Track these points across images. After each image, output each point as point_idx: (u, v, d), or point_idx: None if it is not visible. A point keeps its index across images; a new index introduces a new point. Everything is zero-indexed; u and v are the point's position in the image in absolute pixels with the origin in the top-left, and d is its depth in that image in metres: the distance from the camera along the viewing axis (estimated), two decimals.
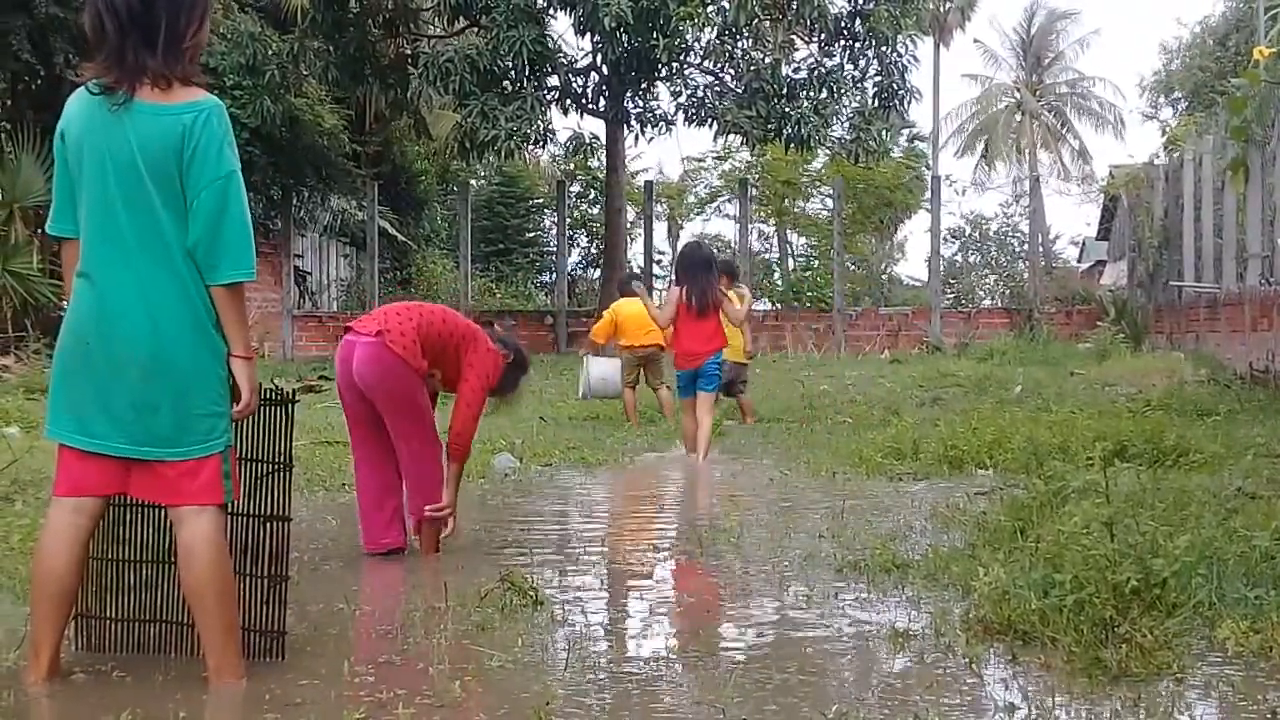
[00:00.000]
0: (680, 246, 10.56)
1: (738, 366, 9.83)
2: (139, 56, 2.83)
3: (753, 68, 18.99)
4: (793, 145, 19.56)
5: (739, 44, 19.53)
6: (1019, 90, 45.93)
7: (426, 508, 4.70)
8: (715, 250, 14.06)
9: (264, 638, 3.23)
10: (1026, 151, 44.35)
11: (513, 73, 18.49)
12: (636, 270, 14.73)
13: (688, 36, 18.58)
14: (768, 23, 19.67)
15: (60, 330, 2.97)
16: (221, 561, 2.97)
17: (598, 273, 23.75)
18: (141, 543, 3.35)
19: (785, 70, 19.50)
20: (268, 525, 3.27)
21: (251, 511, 3.28)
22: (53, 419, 2.96)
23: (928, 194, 24.76)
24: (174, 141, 2.83)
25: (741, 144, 23.98)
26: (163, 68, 2.85)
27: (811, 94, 19.32)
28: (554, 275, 25.68)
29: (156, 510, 3.24)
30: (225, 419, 2.99)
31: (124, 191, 2.84)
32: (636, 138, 20.66)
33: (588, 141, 22.09)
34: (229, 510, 3.08)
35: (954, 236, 30.85)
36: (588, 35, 18.70)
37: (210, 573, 2.94)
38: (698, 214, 38.69)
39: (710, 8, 18.54)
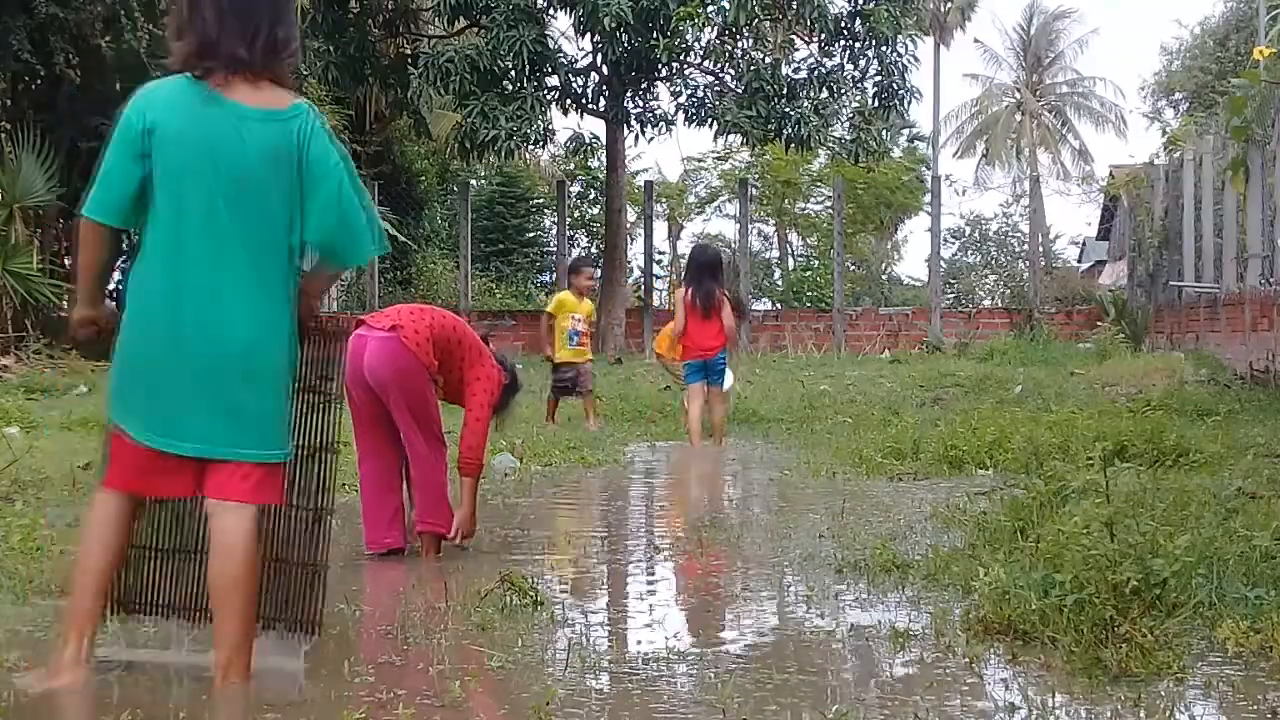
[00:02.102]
0: (691, 249, 10.54)
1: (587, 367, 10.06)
2: (234, 48, 2.87)
3: (753, 68, 19.00)
4: (793, 145, 19.58)
5: (739, 44, 19.56)
6: (1019, 90, 45.95)
7: (451, 536, 4.68)
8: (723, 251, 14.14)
9: (301, 623, 3.19)
10: (1026, 151, 44.37)
11: (513, 73, 18.49)
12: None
13: (688, 36, 18.60)
14: (768, 23, 19.69)
15: (125, 323, 2.92)
16: (256, 563, 2.94)
17: (598, 273, 23.78)
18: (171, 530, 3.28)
19: (785, 70, 19.52)
20: (308, 513, 3.22)
21: (296, 502, 3.21)
22: (117, 409, 2.93)
23: (928, 194, 24.75)
24: (288, 143, 2.89)
25: (741, 144, 24.00)
26: (256, 64, 2.89)
27: (811, 94, 19.33)
28: (554, 275, 25.68)
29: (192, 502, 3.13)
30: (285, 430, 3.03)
31: (231, 191, 2.86)
32: (636, 138, 20.69)
33: (588, 141, 22.10)
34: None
35: (954, 236, 30.90)
36: (588, 35, 18.71)
37: (245, 571, 2.91)
38: (698, 214, 38.74)
39: (710, 8, 18.54)
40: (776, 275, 31.15)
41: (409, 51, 20.32)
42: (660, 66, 18.98)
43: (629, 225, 25.61)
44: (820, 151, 23.32)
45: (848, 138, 20.18)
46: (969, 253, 31.73)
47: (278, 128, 2.89)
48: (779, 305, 23.94)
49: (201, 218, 2.85)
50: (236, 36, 2.87)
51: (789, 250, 36.75)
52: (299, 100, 2.95)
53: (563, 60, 19.60)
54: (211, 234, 2.85)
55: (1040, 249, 26.02)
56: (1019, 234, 29.33)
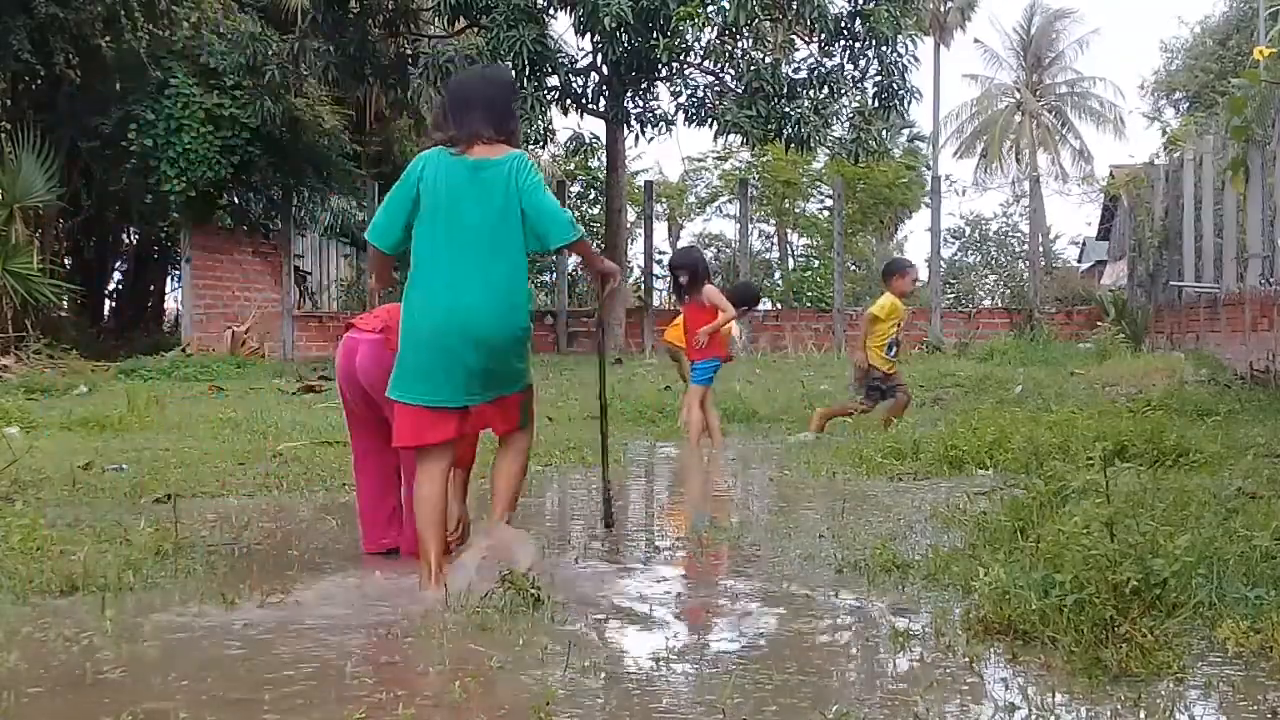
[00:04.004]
0: (686, 248, 10.33)
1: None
2: (478, 128, 4.19)
3: (753, 68, 18.99)
4: (793, 145, 19.57)
5: (739, 44, 19.55)
6: (1019, 90, 45.96)
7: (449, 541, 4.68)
8: (714, 250, 14.04)
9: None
10: (1026, 151, 44.38)
11: (513, 73, 18.48)
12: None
13: (688, 36, 18.60)
14: (768, 23, 19.68)
15: (403, 323, 4.14)
16: (519, 466, 4.39)
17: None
18: None
19: (785, 70, 19.51)
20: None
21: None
22: (399, 387, 4.13)
23: (927, 191, 24.73)
24: (503, 180, 4.13)
25: (741, 144, 24.00)
26: (494, 136, 4.20)
27: (811, 94, 19.33)
28: (554, 275, 25.68)
29: None
30: (528, 370, 4.33)
31: (465, 219, 4.09)
32: (636, 138, 20.69)
33: (588, 141, 22.10)
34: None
35: (954, 237, 30.87)
36: (588, 35, 18.71)
37: (515, 469, 4.37)
38: (698, 214, 38.75)
39: (710, 8, 18.55)
40: (776, 275, 31.11)
41: (409, 51, 20.31)
42: (660, 66, 18.98)
43: (629, 225, 25.62)
44: (820, 151, 23.29)
45: (848, 138, 20.17)
46: (969, 253, 31.67)
47: (494, 170, 4.14)
48: (779, 305, 23.91)
49: (446, 238, 4.11)
50: (482, 123, 4.21)
51: (789, 250, 36.75)
52: (513, 151, 4.22)
53: (563, 60, 19.59)
54: (453, 250, 4.09)
55: (1040, 249, 26.01)
56: (1019, 234, 29.30)
